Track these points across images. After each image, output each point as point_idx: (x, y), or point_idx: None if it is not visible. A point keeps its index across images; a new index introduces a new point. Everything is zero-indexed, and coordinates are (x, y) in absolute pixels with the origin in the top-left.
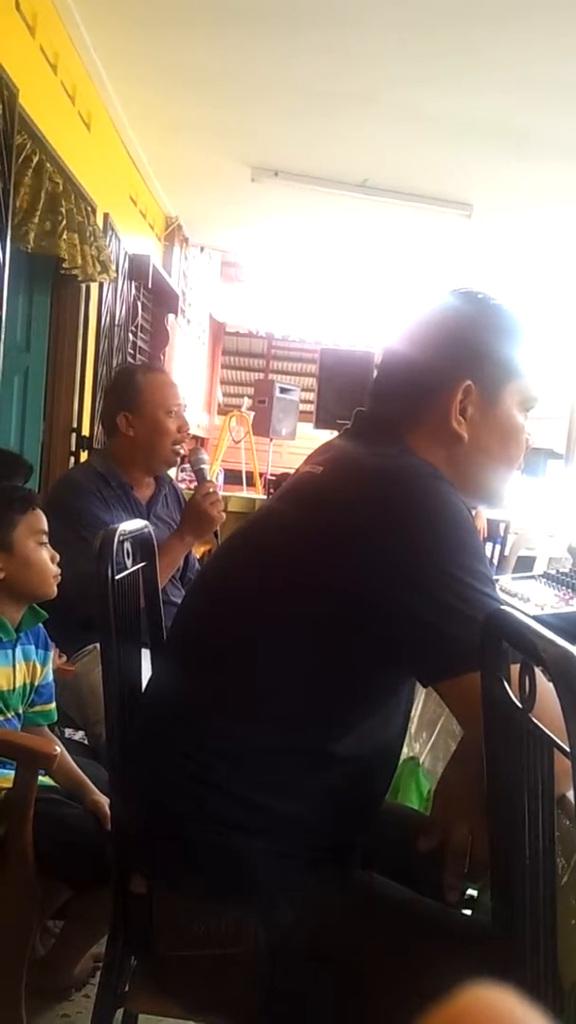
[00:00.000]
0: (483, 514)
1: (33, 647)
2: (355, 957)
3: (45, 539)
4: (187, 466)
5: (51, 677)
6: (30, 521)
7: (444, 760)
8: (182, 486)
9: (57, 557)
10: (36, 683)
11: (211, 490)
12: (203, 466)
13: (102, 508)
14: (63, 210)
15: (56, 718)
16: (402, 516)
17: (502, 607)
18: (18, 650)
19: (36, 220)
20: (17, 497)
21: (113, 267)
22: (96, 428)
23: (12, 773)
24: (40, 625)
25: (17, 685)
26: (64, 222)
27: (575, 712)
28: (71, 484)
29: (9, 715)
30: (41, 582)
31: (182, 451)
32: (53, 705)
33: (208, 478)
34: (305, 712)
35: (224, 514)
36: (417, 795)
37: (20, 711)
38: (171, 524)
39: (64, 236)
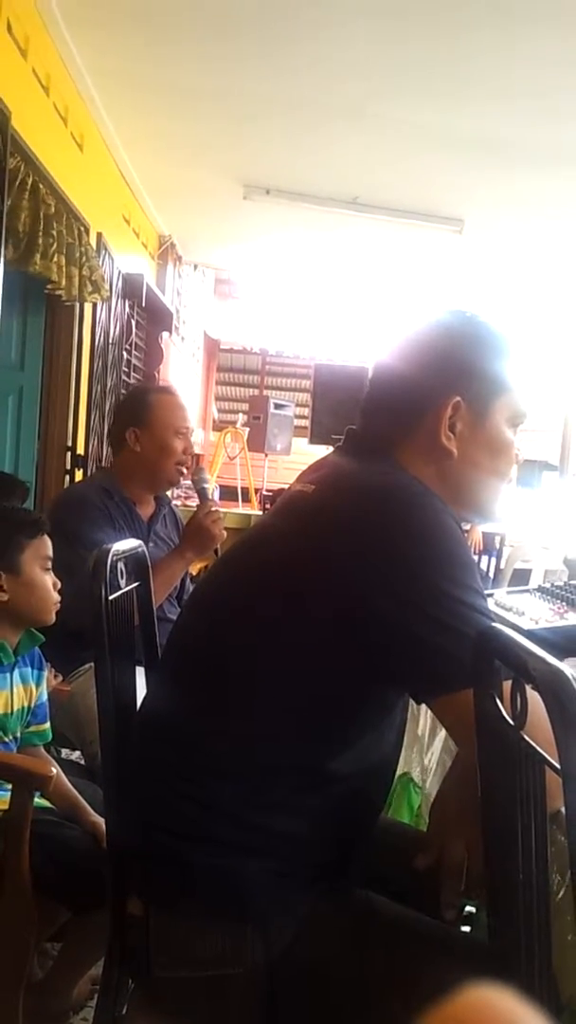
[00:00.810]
0: (478, 528)
1: (30, 669)
2: (354, 975)
3: (50, 565)
4: (185, 482)
5: (45, 697)
6: (37, 546)
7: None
8: (177, 503)
9: (59, 584)
10: (32, 705)
11: (213, 508)
12: (205, 485)
13: (106, 522)
14: (54, 232)
15: (51, 738)
16: (393, 533)
17: (493, 624)
18: (16, 674)
19: (30, 242)
20: (27, 521)
21: (106, 287)
22: (91, 446)
23: (8, 795)
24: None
25: (15, 709)
26: (54, 244)
27: (565, 729)
28: (75, 498)
29: (7, 739)
30: (42, 608)
31: (185, 471)
32: (48, 725)
33: (210, 497)
34: (300, 730)
35: (225, 532)
36: (408, 809)
37: (17, 734)
38: (169, 543)
39: (54, 259)
